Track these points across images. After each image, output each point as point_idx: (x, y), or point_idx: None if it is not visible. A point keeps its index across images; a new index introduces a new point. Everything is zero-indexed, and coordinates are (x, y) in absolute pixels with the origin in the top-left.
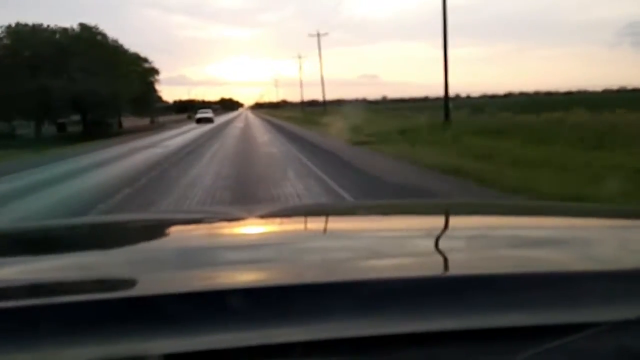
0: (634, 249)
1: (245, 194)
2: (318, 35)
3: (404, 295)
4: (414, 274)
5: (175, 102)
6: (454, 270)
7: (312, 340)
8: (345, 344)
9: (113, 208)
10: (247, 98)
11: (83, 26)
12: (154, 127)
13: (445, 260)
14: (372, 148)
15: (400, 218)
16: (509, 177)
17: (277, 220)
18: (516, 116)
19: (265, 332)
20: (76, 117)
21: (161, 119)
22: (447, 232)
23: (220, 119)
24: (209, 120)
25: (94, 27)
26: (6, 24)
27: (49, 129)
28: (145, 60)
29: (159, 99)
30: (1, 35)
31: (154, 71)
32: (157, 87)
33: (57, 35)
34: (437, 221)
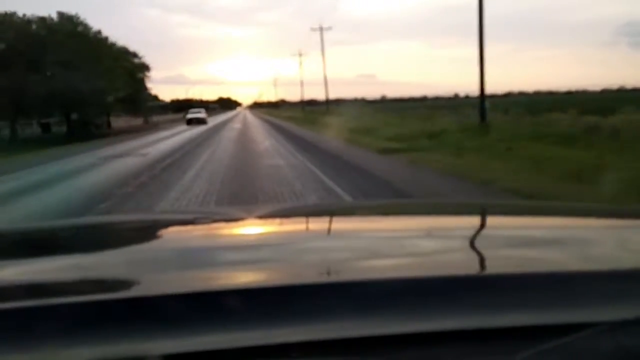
0: (633, 249)
1: None
2: (321, 29)
3: (403, 295)
4: (414, 274)
5: (172, 101)
6: (453, 271)
7: (311, 340)
8: (345, 344)
9: None
10: (245, 97)
11: (62, 15)
12: (146, 128)
13: (445, 260)
14: (408, 159)
15: (400, 218)
16: None
17: (277, 220)
18: (554, 117)
19: (265, 332)
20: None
21: (156, 118)
22: (447, 232)
23: (216, 119)
24: (201, 122)
25: (74, 17)
26: None
27: (34, 129)
28: (135, 55)
29: (151, 97)
30: None
31: (145, 67)
32: (149, 84)
33: (34, 26)
34: (437, 221)
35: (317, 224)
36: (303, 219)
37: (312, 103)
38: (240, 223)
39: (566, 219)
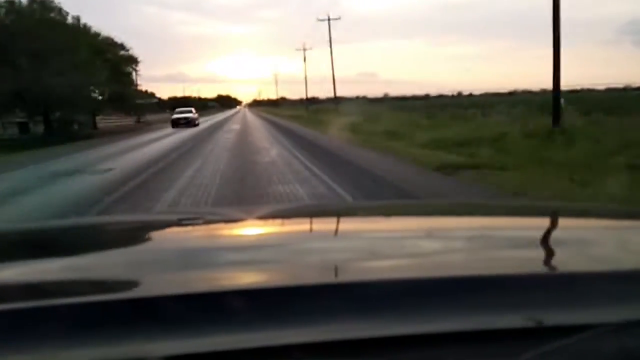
0: (636, 250)
1: None
2: (329, 19)
3: (405, 296)
4: (416, 275)
5: (170, 98)
6: (454, 271)
7: (313, 341)
8: (346, 345)
9: None
10: (245, 95)
11: None
12: (136, 128)
13: (447, 261)
14: (492, 183)
15: (401, 219)
16: None
17: (278, 221)
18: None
19: (267, 333)
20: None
21: (151, 117)
22: (448, 233)
23: (214, 118)
24: (190, 124)
25: (46, 0)
26: None
27: (15, 130)
28: (122, 46)
29: (143, 93)
30: None
31: (132, 60)
32: (142, 80)
33: (2, 11)
34: (438, 222)
35: (318, 225)
36: (304, 220)
37: (313, 101)
38: (241, 224)
39: (568, 220)
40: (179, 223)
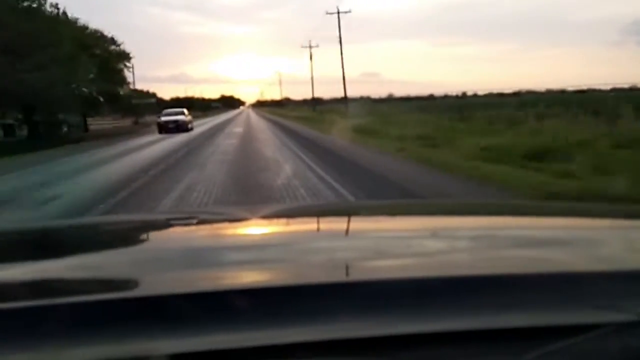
0: (639, 249)
1: None
2: (338, 12)
3: (409, 295)
4: (420, 275)
5: (172, 99)
6: (458, 271)
7: (316, 340)
8: (350, 344)
9: None
10: (248, 96)
11: None
12: (132, 130)
13: (451, 260)
14: None
15: (405, 218)
16: None
17: (281, 220)
18: None
19: (271, 332)
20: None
21: (151, 118)
22: (452, 233)
23: (215, 120)
24: (181, 128)
25: None
26: None
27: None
28: (113, 41)
29: (139, 93)
30: None
31: (124, 56)
32: (133, 76)
33: None
34: (442, 221)
35: (322, 224)
36: (307, 219)
37: (318, 101)
38: (244, 223)
39: (571, 220)
40: (183, 222)
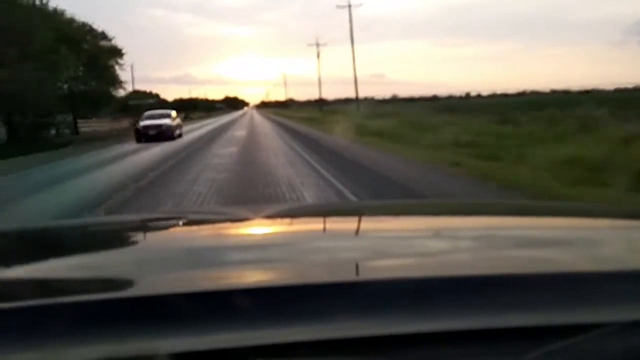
0: (639, 249)
1: None
2: (349, 6)
3: (409, 295)
4: (421, 274)
5: (175, 100)
6: (459, 271)
7: (318, 339)
8: (352, 344)
9: None
10: (252, 97)
11: None
12: (126, 133)
13: (452, 260)
14: None
15: (407, 218)
16: None
17: (284, 220)
18: None
19: (272, 331)
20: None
21: None
22: (454, 233)
23: (217, 122)
24: (163, 135)
25: None
26: None
27: None
28: (103, 35)
29: (136, 93)
30: None
31: (115, 52)
32: (132, 75)
33: None
34: (444, 221)
35: (324, 224)
36: (310, 219)
37: (323, 102)
38: (247, 223)
39: (573, 220)
40: (186, 222)
